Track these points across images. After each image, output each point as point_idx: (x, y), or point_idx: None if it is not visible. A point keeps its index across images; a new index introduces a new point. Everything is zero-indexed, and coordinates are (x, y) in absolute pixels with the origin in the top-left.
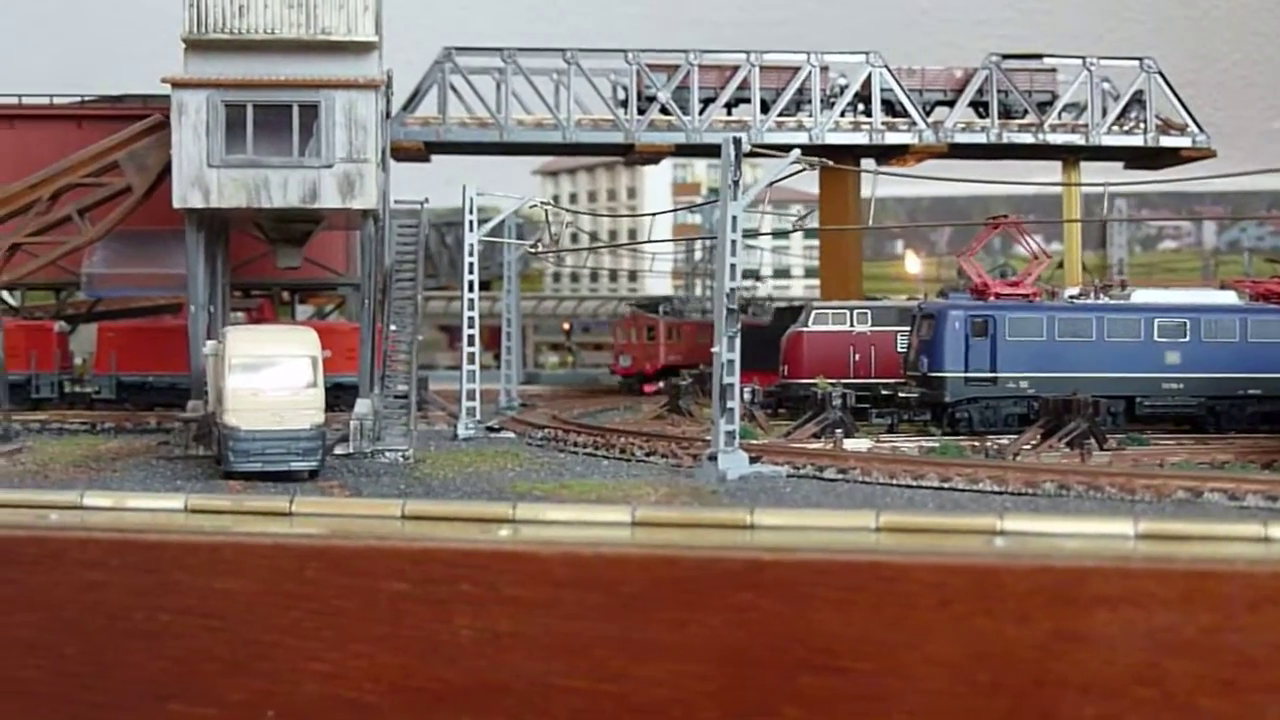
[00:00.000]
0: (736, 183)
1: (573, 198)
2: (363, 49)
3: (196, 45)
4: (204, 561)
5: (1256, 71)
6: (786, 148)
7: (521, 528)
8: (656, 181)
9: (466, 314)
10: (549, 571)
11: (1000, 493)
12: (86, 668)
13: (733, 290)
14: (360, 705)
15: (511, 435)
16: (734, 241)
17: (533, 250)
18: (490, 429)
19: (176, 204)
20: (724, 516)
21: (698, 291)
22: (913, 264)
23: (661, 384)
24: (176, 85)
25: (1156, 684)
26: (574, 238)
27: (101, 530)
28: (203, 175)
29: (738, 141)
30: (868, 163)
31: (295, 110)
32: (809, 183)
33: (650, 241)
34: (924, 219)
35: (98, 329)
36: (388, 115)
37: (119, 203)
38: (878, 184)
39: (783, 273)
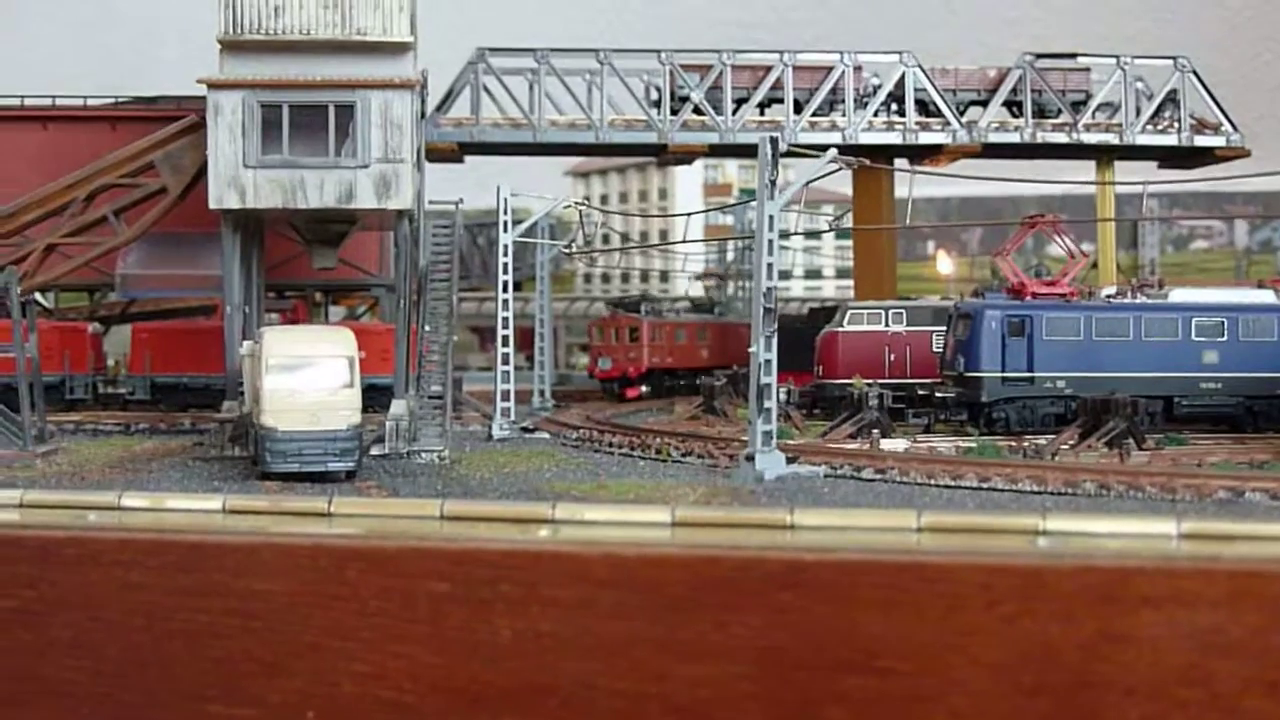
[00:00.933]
0: (773, 182)
1: (604, 199)
2: (398, 49)
3: (232, 46)
4: (243, 562)
5: None
6: (821, 148)
7: (561, 528)
8: (688, 182)
9: (500, 314)
10: (590, 572)
11: (1040, 492)
12: (126, 668)
13: (770, 290)
14: (400, 706)
15: (546, 436)
16: (771, 241)
17: (567, 250)
18: (525, 430)
19: (213, 204)
20: (764, 517)
21: (730, 290)
22: (944, 264)
23: (644, 389)
24: (212, 86)
25: (1202, 685)
26: (605, 239)
27: (140, 531)
28: (239, 176)
29: (774, 141)
30: (901, 162)
31: (331, 110)
32: (842, 183)
33: (683, 241)
34: (955, 219)
35: (132, 330)
36: (422, 115)
37: (154, 204)
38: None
39: (814, 273)
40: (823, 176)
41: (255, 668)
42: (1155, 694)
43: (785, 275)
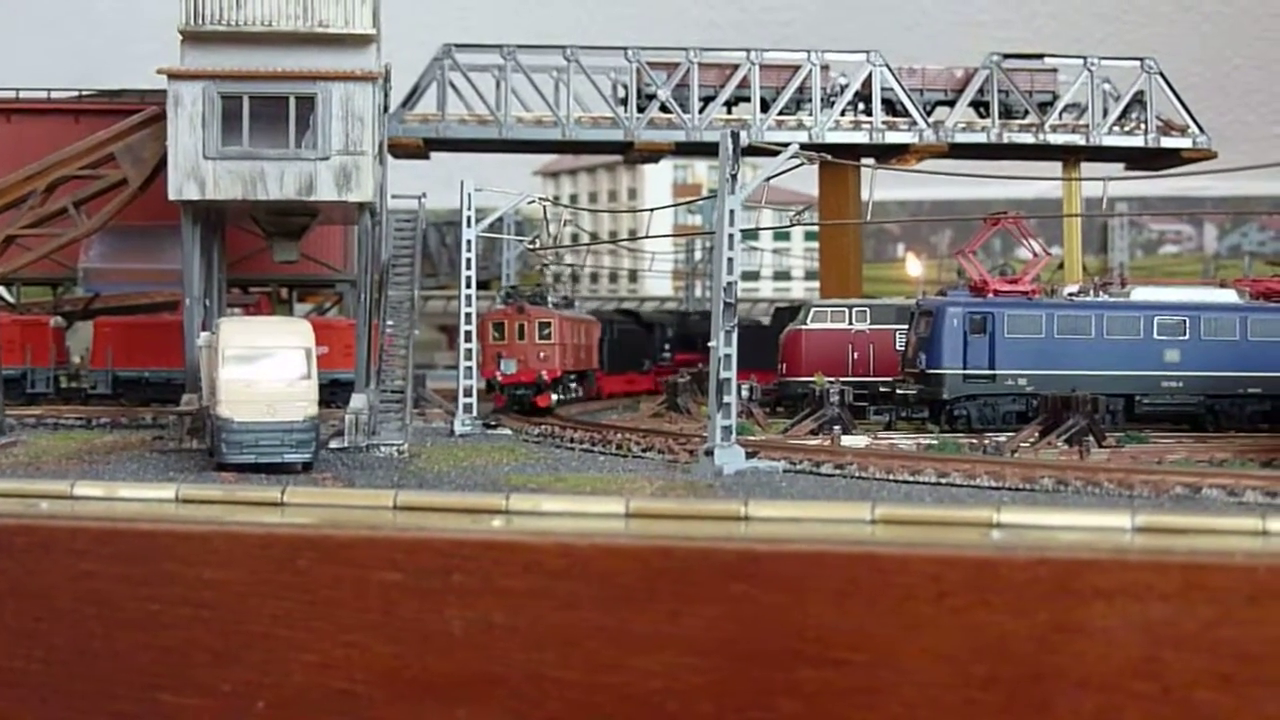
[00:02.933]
0: (734, 177)
1: (573, 198)
2: (360, 41)
3: (193, 37)
4: (195, 551)
5: (1260, 76)
6: (786, 146)
7: (515, 519)
8: (657, 182)
9: (463, 310)
10: (542, 562)
11: (997, 488)
12: (76, 657)
13: (730, 284)
14: (351, 696)
15: (508, 432)
16: (731, 236)
17: (531, 246)
18: (488, 425)
19: (172, 196)
20: (718, 508)
21: (698, 292)
22: (914, 266)
23: (555, 397)
24: (173, 77)
25: (1154, 678)
26: (575, 238)
27: (92, 520)
28: (198, 167)
29: (735, 135)
30: (867, 160)
31: (291, 102)
32: (810, 185)
33: (645, 237)
34: (924, 222)
35: (94, 324)
36: (386, 109)
37: (115, 195)
38: (879, 187)
39: (783, 274)
40: (784, 172)
41: (206, 657)
42: (1107, 686)
43: (754, 276)
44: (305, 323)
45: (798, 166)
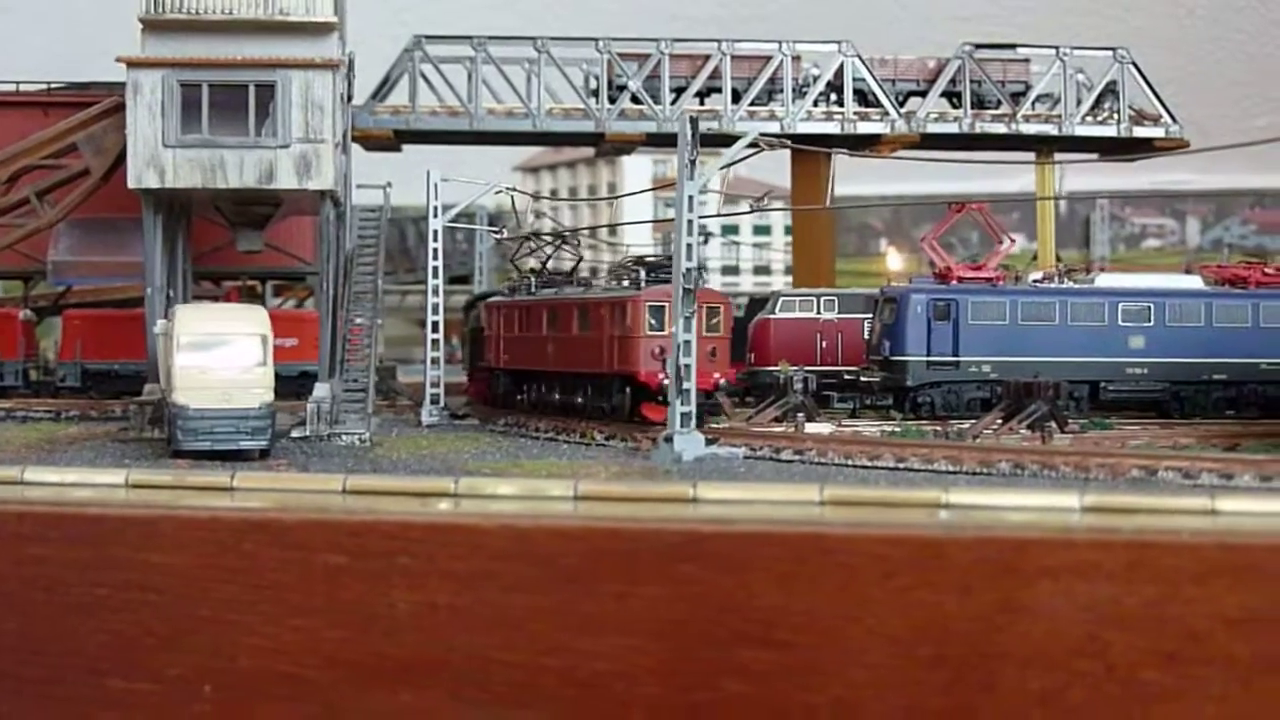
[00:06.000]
0: (693, 162)
1: (553, 193)
2: (321, 30)
3: (153, 25)
4: (142, 535)
5: (1239, 70)
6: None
7: (464, 502)
8: (636, 177)
9: (430, 300)
10: (487, 544)
11: (955, 472)
12: (23, 642)
13: (689, 270)
14: (297, 679)
15: (476, 422)
16: (690, 221)
17: (497, 235)
18: (455, 416)
19: (131, 184)
20: (667, 490)
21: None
22: (894, 261)
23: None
24: (131, 65)
25: (1099, 656)
26: (556, 233)
27: (40, 504)
28: (158, 155)
29: (694, 121)
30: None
31: (251, 90)
32: (786, 178)
33: (611, 226)
34: (906, 217)
35: (63, 317)
36: (349, 99)
37: (78, 185)
38: (861, 182)
39: (763, 269)
40: (744, 159)
41: (154, 641)
42: (1052, 665)
43: (733, 271)
44: (261, 309)
45: (756, 153)
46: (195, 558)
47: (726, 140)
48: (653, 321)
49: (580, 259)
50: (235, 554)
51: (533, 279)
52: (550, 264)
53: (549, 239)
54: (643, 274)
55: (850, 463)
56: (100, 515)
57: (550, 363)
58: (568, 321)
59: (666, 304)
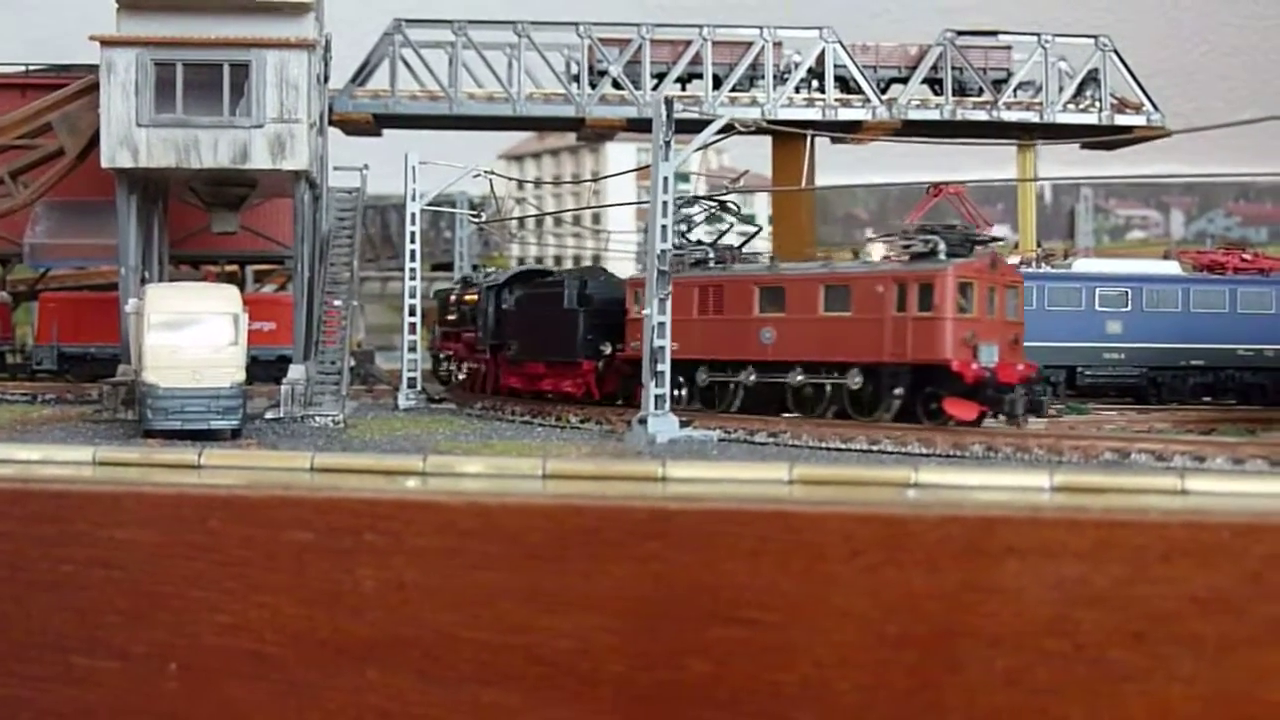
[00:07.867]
0: (668, 144)
1: (537, 182)
2: (297, 9)
3: (129, 5)
4: (107, 511)
5: (1226, 62)
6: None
7: (431, 480)
8: (621, 165)
9: (408, 283)
10: (454, 521)
11: (928, 455)
12: None
13: (664, 252)
14: (263, 657)
15: (452, 405)
16: (665, 203)
17: (475, 220)
18: (432, 400)
19: (105, 163)
20: (636, 469)
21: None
22: (878, 252)
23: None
24: (105, 44)
25: (1067, 635)
26: (539, 222)
27: (4, 481)
28: (131, 135)
29: (669, 102)
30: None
31: (225, 69)
32: (767, 166)
33: (589, 209)
34: (892, 209)
35: (39, 300)
36: (326, 80)
37: (52, 165)
38: (848, 172)
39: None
40: (715, 141)
41: (118, 619)
42: (1020, 644)
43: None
44: (234, 289)
45: (730, 135)
46: (160, 534)
47: (708, 126)
48: (962, 301)
49: (759, 229)
50: (201, 531)
51: (709, 251)
52: (704, 236)
53: (713, 205)
54: (941, 245)
55: (824, 445)
56: (64, 491)
57: (769, 352)
58: (806, 301)
59: (977, 281)
